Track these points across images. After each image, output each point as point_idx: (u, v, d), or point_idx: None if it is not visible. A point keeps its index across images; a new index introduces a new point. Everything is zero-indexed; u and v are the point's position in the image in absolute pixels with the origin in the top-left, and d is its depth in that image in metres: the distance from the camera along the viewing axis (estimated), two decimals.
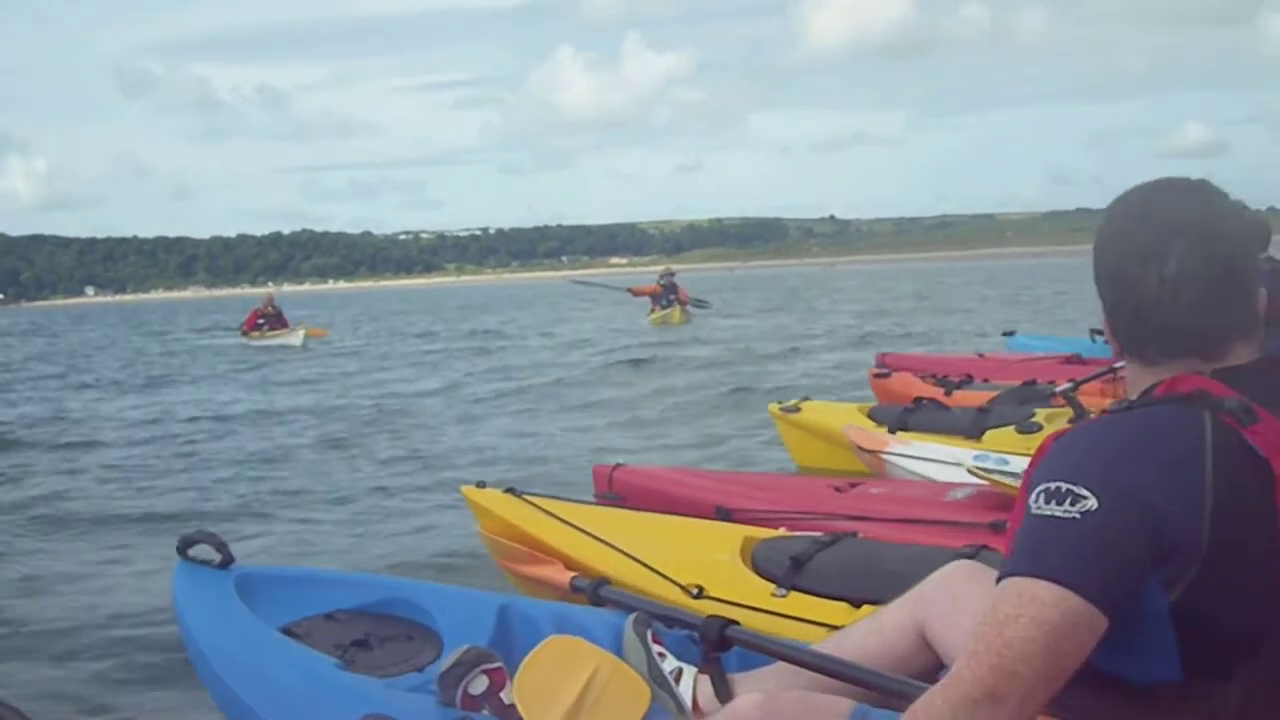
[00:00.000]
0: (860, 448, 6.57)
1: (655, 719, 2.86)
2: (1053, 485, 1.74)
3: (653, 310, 27.68)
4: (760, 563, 3.99)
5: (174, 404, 16.42)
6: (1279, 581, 1.70)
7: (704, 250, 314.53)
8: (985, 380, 8.38)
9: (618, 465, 5.66)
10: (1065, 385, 6.88)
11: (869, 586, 3.65)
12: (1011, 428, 6.48)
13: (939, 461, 6.03)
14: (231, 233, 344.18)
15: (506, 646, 3.18)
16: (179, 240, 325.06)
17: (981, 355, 10.66)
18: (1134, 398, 1.91)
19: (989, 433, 6.52)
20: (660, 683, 2.92)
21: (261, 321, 29.46)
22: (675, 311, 27.20)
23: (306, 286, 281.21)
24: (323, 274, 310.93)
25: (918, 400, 7.61)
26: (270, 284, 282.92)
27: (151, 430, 13.54)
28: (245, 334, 29.79)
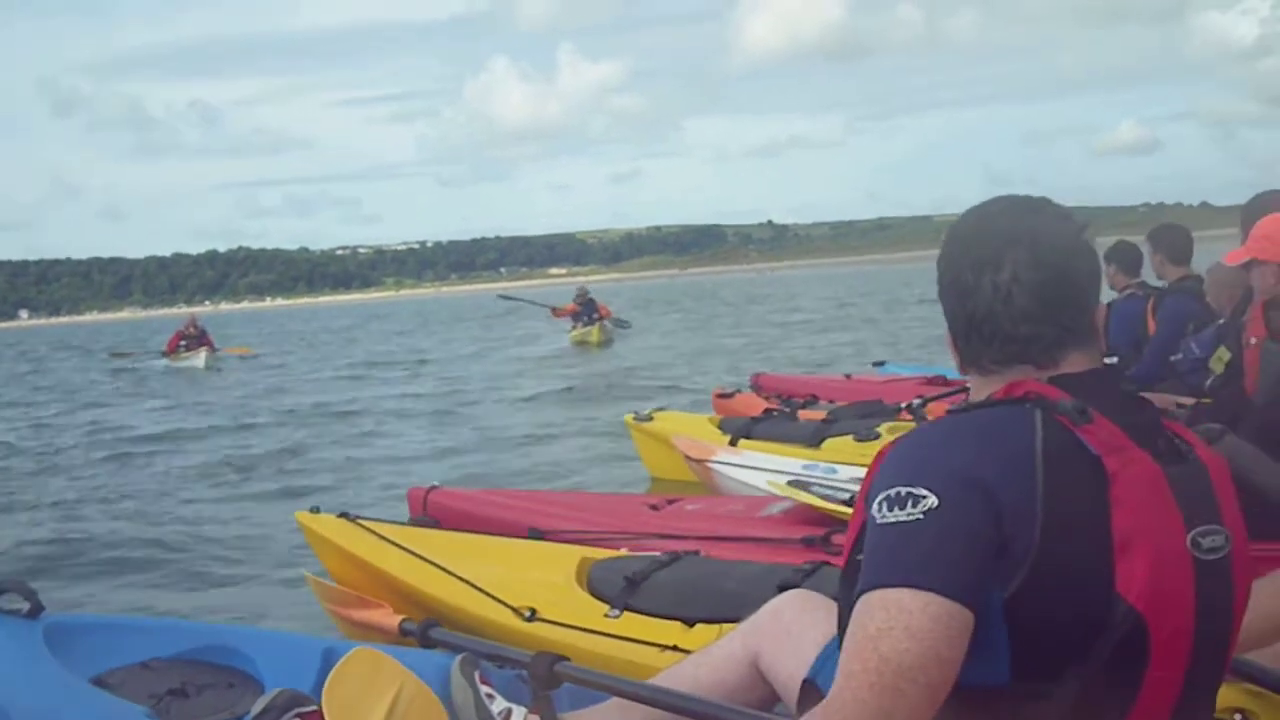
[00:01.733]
0: (688, 458, 6.58)
1: None
2: (892, 492, 1.72)
3: (573, 328, 26.77)
4: (596, 584, 3.96)
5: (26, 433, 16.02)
6: (1110, 581, 1.69)
7: (643, 259, 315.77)
8: (830, 401, 8.50)
9: (433, 487, 5.61)
10: (914, 400, 7.00)
11: (703, 605, 3.62)
12: (850, 437, 6.59)
13: (767, 470, 5.93)
14: (167, 251, 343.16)
15: None
16: (113, 261, 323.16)
17: (848, 377, 10.76)
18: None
19: (828, 441, 6.62)
20: None
21: (183, 343, 28.90)
22: (594, 330, 26.05)
23: (244, 304, 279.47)
24: (260, 291, 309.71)
25: (767, 411, 7.75)
26: (207, 302, 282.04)
27: None
28: (167, 356, 29.33)
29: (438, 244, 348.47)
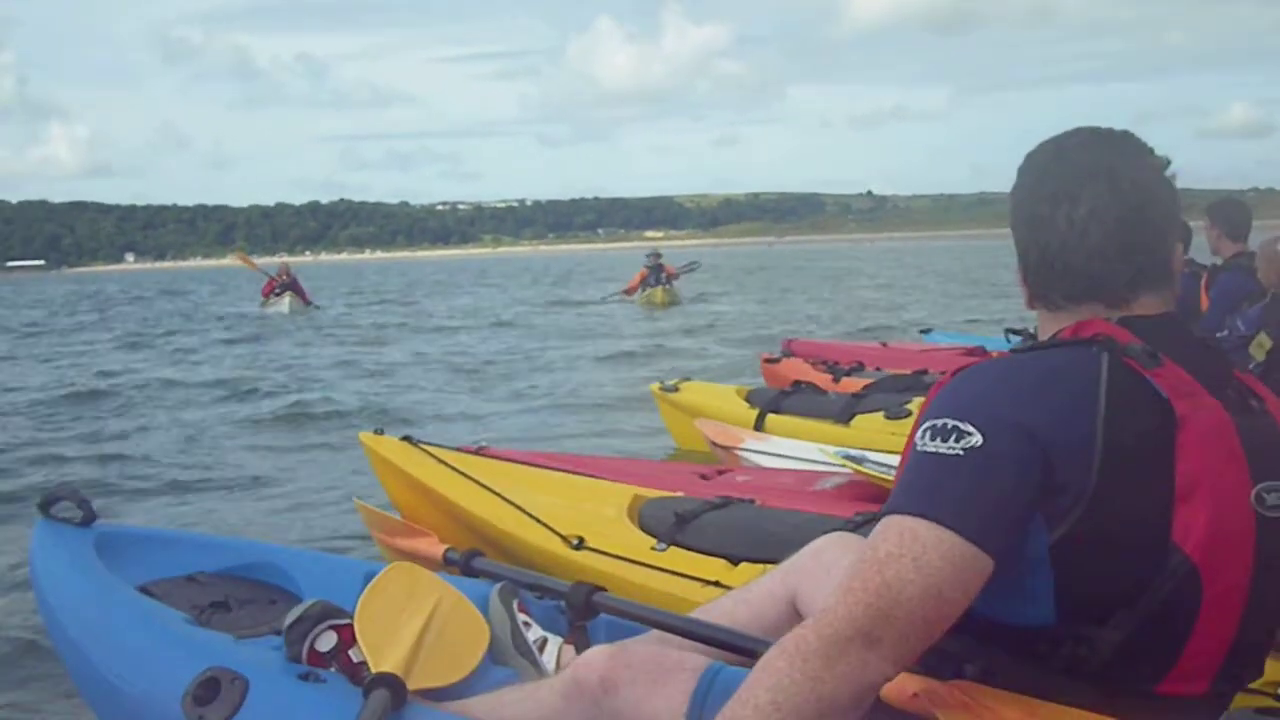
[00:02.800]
0: (714, 444, 6.36)
1: (489, 671, 2.76)
2: (939, 422, 1.70)
3: (642, 292, 27.63)
4: (646, 519, 3.99)
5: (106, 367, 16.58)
6: (1167, 530, 1.66)
7: (740, 225, 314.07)
8: (877, 369, 8.21)
9: (481, 447, 5.54)
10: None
11: (749, 545, 3.64)
12: (881, 413, 6.42)
13: (797, 458, 5.80)
14: (270, 201, 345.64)
15: None
16: (218, 209, 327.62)
17: (884, 344, 10.49)
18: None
19: (858, 418, 6.47)
20: (524, 651, 2.86)
21: (278, 290, 29.80)
22: (658, 291, 26.85)
23: (344, 256, 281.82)
24: (360, 244, 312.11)
25: (796, 384, 7.48)
26: (308, 253, 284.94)
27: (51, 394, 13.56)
28: (264, 301, 30.39)
29: (536, 203, 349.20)
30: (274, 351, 18.66)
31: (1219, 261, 6.80)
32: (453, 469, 4.51)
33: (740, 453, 6.16)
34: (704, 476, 5.09)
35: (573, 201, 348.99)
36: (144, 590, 3.18)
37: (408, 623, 2.64)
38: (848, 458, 4.93)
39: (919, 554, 1.61)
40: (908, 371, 7.71)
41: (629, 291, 28.36)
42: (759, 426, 6.73)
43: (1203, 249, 6.99)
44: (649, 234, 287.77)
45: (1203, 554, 1.66)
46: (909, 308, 24.99)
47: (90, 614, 2.98)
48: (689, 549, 3.76)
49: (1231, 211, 6.83)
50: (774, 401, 7.05)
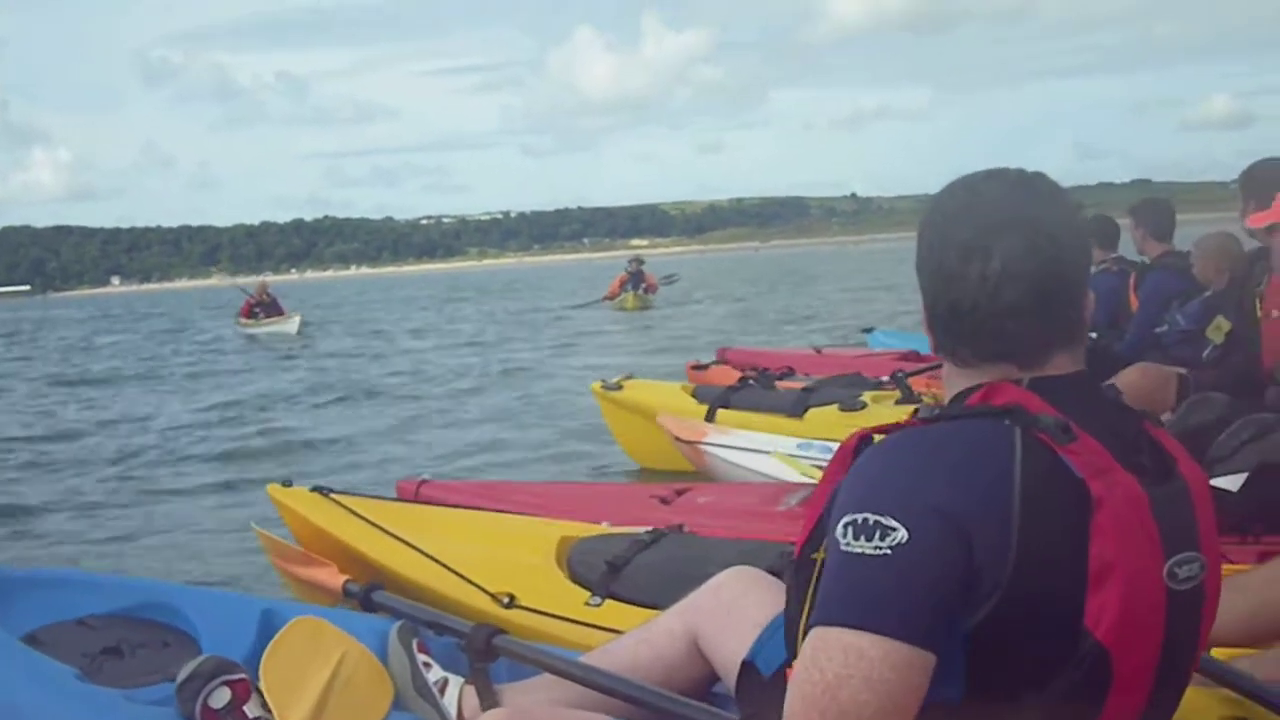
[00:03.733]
0: (678, 439, 6.23)
1: (401, 711, 2.77)
2: (859, 517, 1.60)
3: (620, 297, 28.77)
4: (576, 566, 3.79)
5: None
6: (1079, 615, 1.60)
7: (726, 230, 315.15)
8: (806, 375, 8.06)
9: (423, 480, 5.36)
10: (896, 372, 6.90)
11: (688, 591, 3.29)
12: (835, 406, 6.31)
13: (760, 451, 5.75)
14: (254, 220, 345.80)
15: None
16: (202, 229, 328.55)
17: (819, 350, 10.41)
18: (947, 402, 1.81)
19: (811, 411, 6.34)
20: (424, 693, 2.81)
21: (257, 310, 29.65)
22: (629, 297, 28.24)
23: (329, 273, 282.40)
24: (345, 260, 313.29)
25: (743, 379, 7.33)
26: (294, 270, 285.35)
27: None
28: (240, 321, 30.14)
29: (521, 214, 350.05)
30: (224, 380, 18.43)
31: (1145, 260, 6.92)
32: (371, 524, 4.14)
33: (704, 447, 6.08)
34: (664, 500, 4.93)
35: (557, 212, 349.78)
36: (32, 638, 3.08)
37: (313, 677, 2.62)
38: (806, 456, 4.90)
39: (868, 672, 1.55)
40: (841, 375, 7.65)
41: (609, 297, 29.15)
42: (710, 421, 6.58)
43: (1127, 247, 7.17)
44: (634, 242, 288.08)
45: (1114, 638, 1.61)
46: (875, 304, 25.92)
47: None
48: (625, 601, 3.58)
49: (1157, 211, 6.97)
50: (723, 397, 6.88)
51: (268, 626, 3.10)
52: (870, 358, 9.32)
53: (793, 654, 1.77)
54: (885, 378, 7.07)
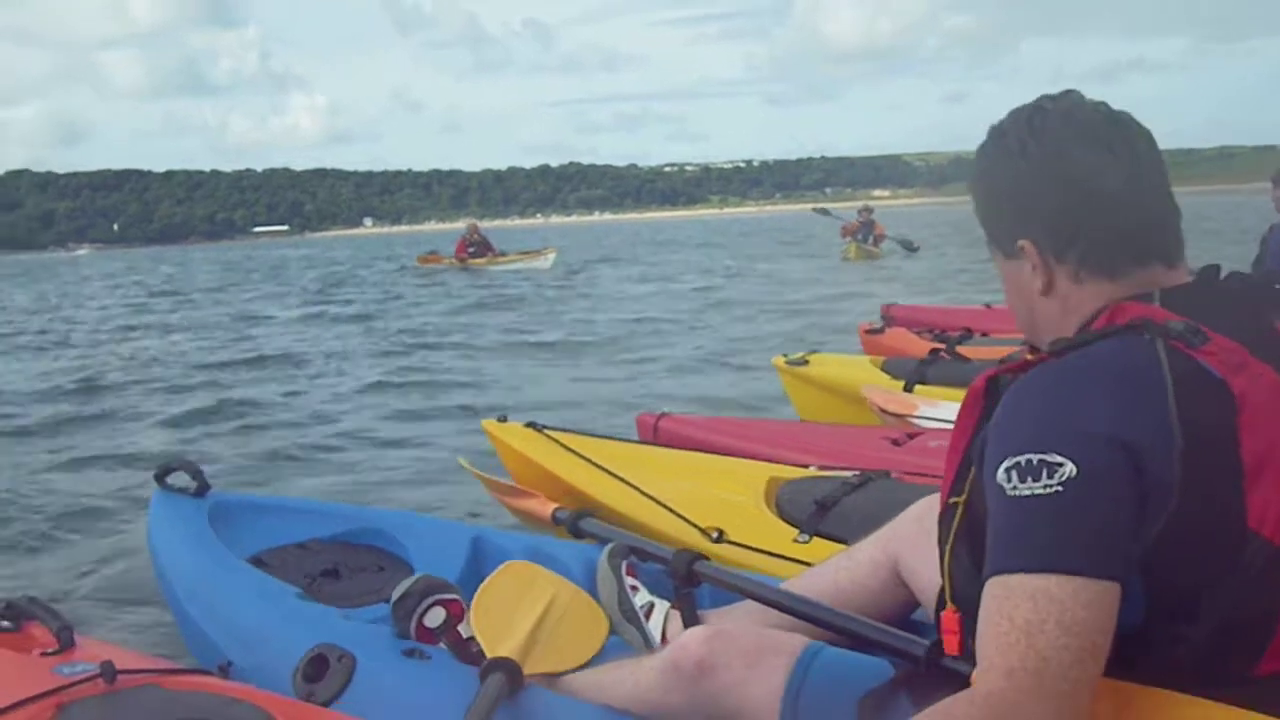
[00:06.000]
0: (883, 410, 5.99)
1: (614, 652, 2.72)
2: (1022, 459, 1.58)
3: (848, 244, 29.04)
4: (784, 505, 3.81)
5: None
6: (1243, 516, 1.58)
7: (967, 183, 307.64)
8: (984, 334, 7.62)
9: (663, 414, 5.39)
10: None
11: None
12: None
13: None
14: (502, 165, 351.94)
15: (479, 575, 3.01)
16: (451, 173, 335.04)
17: (989, 306, 9.72)
18: (1069, 334, 1.78)
19: None
20: (630, 617, 2.85)
21: (471, 249, 30.53)
22: (851, 247, 28.39)
23: (573, 218, 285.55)
24: (589, 206, 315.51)
25: (933, 353, 6.97)
26: (539, 215, 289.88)
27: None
28: (461, 262, 30.81)
29: (763, 163, 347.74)
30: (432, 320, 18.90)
31: None
32: (581, 457, 4.27)
33: (915, 420, 5.80)
34: (895, 443, 4.89)
35: (799, 161, 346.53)
36: (256, 560, 3.27)
37: (524, 615, 2.63)
38: None
39: (1061, 614, 1.52)
40: (1018, 336, 7.27)
41: (845, 230, 29.29)
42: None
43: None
44: (876, 193, 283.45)
45: None
46: None
47: (204, 587, 3.07)
48: (832, 539, 3.58)
49: None
50: (917, 372, 6.59)
51: (479, 552, 3.28)
52: None
53: (946, 601, 1.85)
54: None
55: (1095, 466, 1.54)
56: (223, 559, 3.16)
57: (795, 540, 3.61)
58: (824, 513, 3.65)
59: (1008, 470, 1.59)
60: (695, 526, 3.72)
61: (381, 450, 8.04)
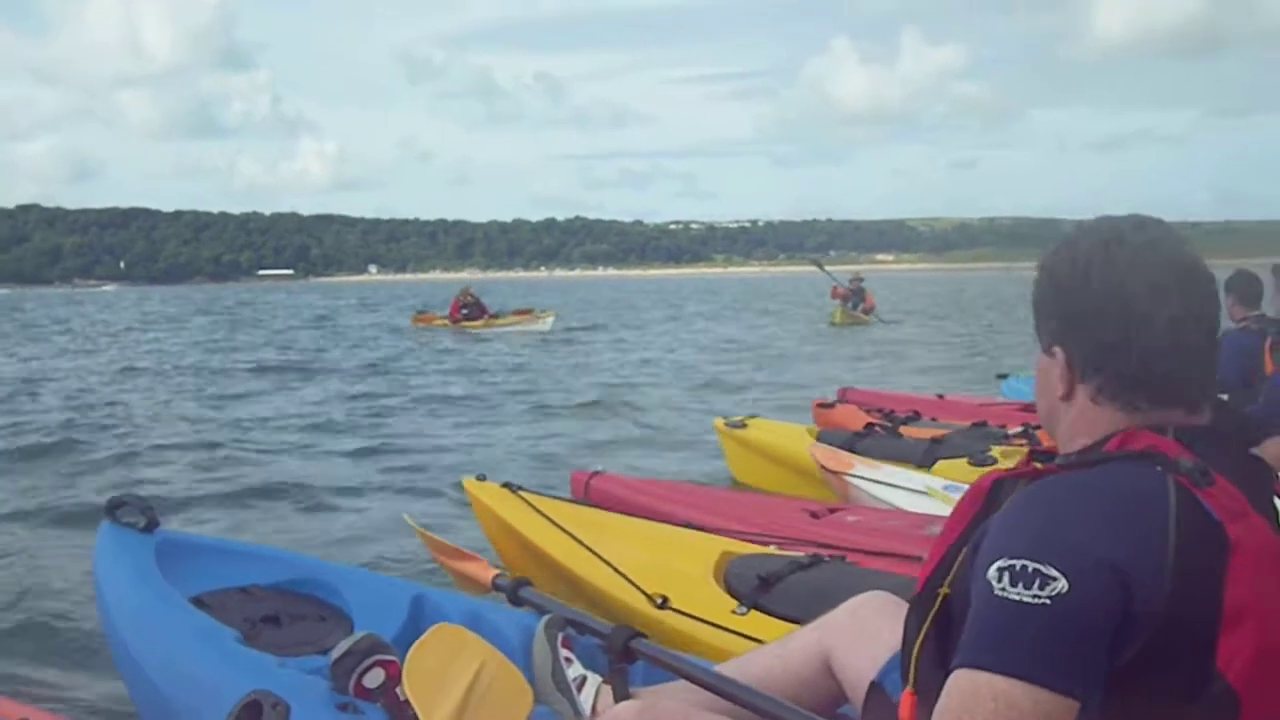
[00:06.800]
0: (825, 468, 6.27)
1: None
2: (1016, 564, 1.58)
3: (839, 308, 29.97)
4: (731, 579, 3.96)
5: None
6: (1212, 657, 1.59)
7: (972, 250, 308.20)
8: (933, 419, 7.92)
9: (595, 472, 5.74)
10: (1026, 425, 6.73)
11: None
12: (965, 460, 6.19)
13: (905, 489, 5.80)
14: (508, 217, 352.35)
15: (417, 634, 3.08)
16: (458, 223, 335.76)
17: (941, 396, 10.03)
18: (1077, 449, 1.80)
19: (941, 463, 6.24)
20: (562, 688, 2.90)
21: (465, 310, 30.61)
22: (836, 312, 29.73)
23: (577, 272, 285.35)
24: (594, 261, 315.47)
25: (869, 426, 7.31)
26: (543, 268, 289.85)
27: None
28: (455, 323, 30.85)
29: (769, 223, 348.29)
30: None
31: None
32: (549, 520, 4.56)
33: (849, 479, 6.14)
34: (814, 515, 5.10)
35: (805, 223, 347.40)
36: (198, 600, 3.30)
37: (455, 681, 2.71)
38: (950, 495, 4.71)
39: None
40: (966, 424, 7.50)
41: (835, 293, 30.40)
42: None
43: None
44: (879, 257, 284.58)
45: (1245, 683, 1.60)
46: None
47: (145, 624, 3.11)
48: (770, 613, 3.71)
49: None
50: (849, 443, 6.88)
51: (418, 611, 3.33)
52: (995, 406, 9.05)
53: (907, 682, 1.83)
54: (1012, 429, 6.99)
55: (1086, 587, 1.55)
56: (166, 597, 3.19)
57: (734, 612, 3.74)
58: (767, 588, 3.79)
59: (1000, 570, 1.59)
60: (642, 591, 3.89)
61: (334, 499, 8.23)
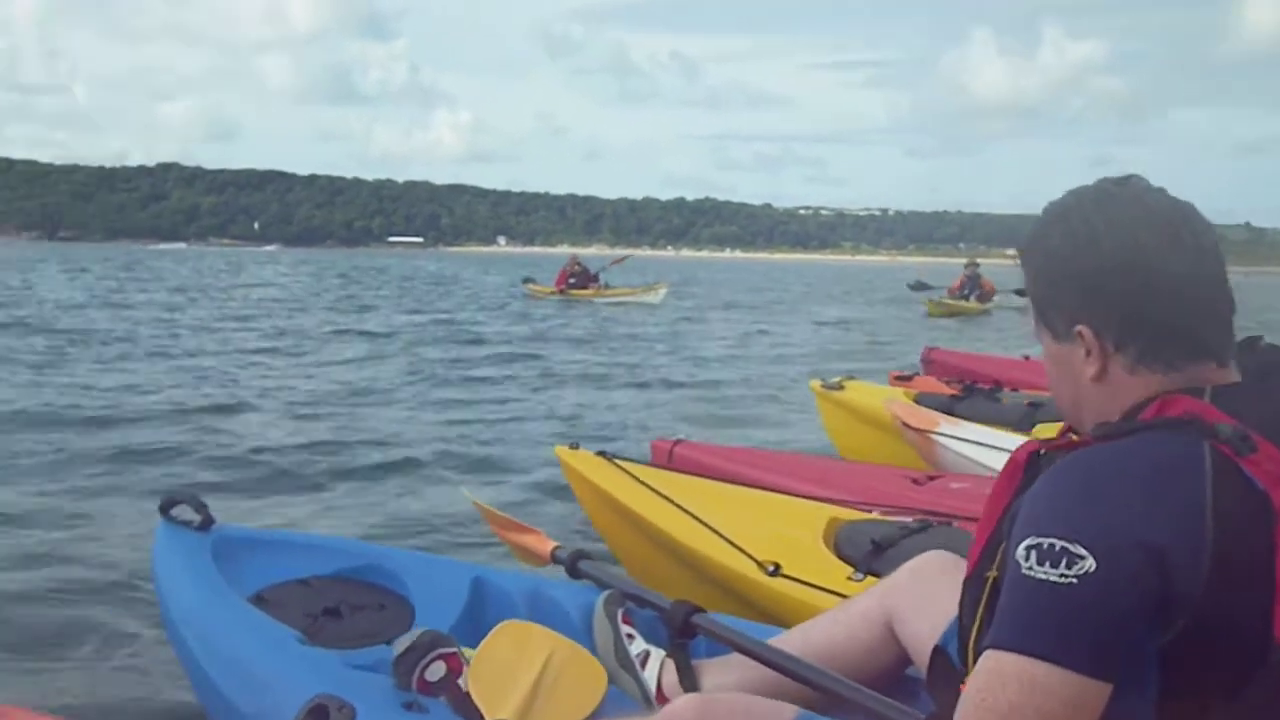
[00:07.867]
0: (907, 426, 6.17)
1: (613, 703, 2.79)
2: (1044, 542, 1.53)
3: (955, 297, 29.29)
4: (842, 545, 3.90)
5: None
6: (1269, 626, 1.53)
7: None
8: (1014, 390, 7.57)
9: (678, 440, 5.69)
10: None
11: None
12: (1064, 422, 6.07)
13: (992, 447, 5.69)
14: (638, 195, 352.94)
15: (478, 617, 3.21)
16: (587, 199, 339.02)
17: (1027, 358, 9.67)
18: (1115, 419, 1.72)
19: (1039, 426, 5.96)
20: (625, 665, 2.88)
21: (572, 280, 30.91)
22: (931, 303, 29.01)
23: (704, 253, 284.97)
24: (721, 242, 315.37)
25: (967, 387, 7.21)
26: (670, 248, 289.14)
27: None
28: (562, 292, 31.04)
29: (898, 213, 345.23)
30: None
31: None
32: (646, 486, 4.44)
33: (937, 438, 6.11)
34: (916, 482, 5.05)
35: (935, 214, 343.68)
36: (259, 597, 3.28)
37: (522, 674, 2.73)
38: None
39: (1042, 703, 1.52)
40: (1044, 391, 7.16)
41: (951, 290, 29.66)
42: None
43: None
44: (1009, 251, 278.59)
45: None
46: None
47: (207, 626, 3.09)
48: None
49: None
50: (947, 405, 6.82)
51: (477, 591, 3.33)
52: None
53: (962, 663, 1.82)
54: None
55: (1116, 567, 1.50)
56: (226, 599, 3.15)
57: (849, 578, 3.68)
58: (880, 553, 3.72)
59: (1028, 548, 1.55)
60: (753, 559, 3.81)
61: (409, 470, 8.13)
